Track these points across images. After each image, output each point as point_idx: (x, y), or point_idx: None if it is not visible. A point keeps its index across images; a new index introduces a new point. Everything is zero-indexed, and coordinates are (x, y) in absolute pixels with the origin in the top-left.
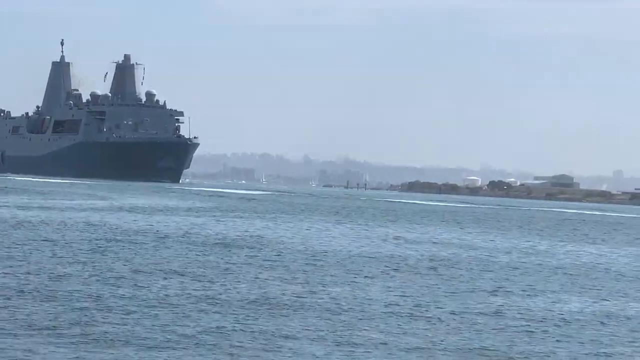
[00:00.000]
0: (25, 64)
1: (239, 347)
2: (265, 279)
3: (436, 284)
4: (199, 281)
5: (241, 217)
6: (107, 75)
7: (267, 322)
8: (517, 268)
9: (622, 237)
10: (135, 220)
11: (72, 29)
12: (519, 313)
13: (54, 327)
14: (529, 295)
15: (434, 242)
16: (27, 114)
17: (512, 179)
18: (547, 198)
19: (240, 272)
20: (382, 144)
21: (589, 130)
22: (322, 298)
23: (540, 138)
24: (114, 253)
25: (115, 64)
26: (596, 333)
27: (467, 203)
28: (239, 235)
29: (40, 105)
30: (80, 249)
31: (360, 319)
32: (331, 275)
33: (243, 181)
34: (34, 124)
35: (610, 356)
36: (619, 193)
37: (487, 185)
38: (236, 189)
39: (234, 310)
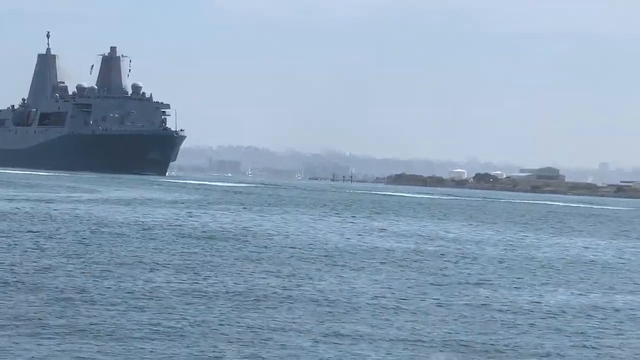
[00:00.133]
0: (11, 57)
1: (225, 340)
2: (252, 272)
3: (422, 277)
4: (185, 274)
5: (227, 209)
6: (93, 68)
7: (254, 315)
8: (502, 261)
9: (607, 230)
10: (120, 213)
11: (58, 22)
12: (505, 305)
13: (39, 319)
14: (515, 287)
15: (419, 235)
16: (12, 106)
17: (498, 172)
18: (533, 191)
19: (226, 265)
20: (369, 137)
21: (574, 123)
22: (309, 290)
23: (526, 131)
24: (99, 245)
25: (101, 56)
26: (582, 325)
27: (452, 195)
28: (224, 228)
29: (26, 97)
30: (65, 241)
31: (347, 311)
32: (317, 269)
33: (229, 174)
34: (20, 116)
35: (597, 348)
36: (604, 185)
37: (473, 178)
38: (222, 182)
39: (219, 303)
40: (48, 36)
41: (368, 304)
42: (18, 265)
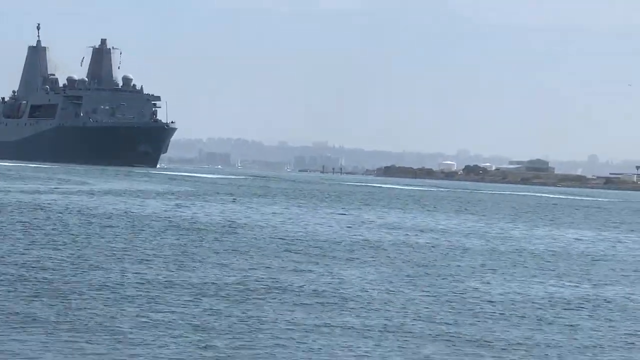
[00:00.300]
0: (1, 49)
1: (215, 331)
2: (240, 264)
3: (412, 268)
4: (174, 265)
5: (217, 201)
6: (84, 60)
7: (243, 306)
8: (492, 252)
9: (596, 221)
10: (109, 205)
11: (48, 14)
12: (494, 297)
13: (27, 312)
14: (505, 279)
15: (408, 227)
16: (3, 98)
17: (488, 164)
18: (523, 182)
19: (215, 256)
20: (358, 130)
21: (564, 115)
22: (298, 282)
23: (516, 123)
24: (88, 237)
25: (91, 48)
26: (572, 317)
27: (436, 187)
28: (214, 220)
29: (16, 90)
30: (55, 233)
31: (336, 303)
32: (306, 261)
33: (219, 166)
34: (10, 108)
35: (586, 340)
36: (593, 178)
37: (463, 170)
38: (213, 174)
39: (209, 295)
40: (38, 28)
41: (357, 295)
42: (6, 256)
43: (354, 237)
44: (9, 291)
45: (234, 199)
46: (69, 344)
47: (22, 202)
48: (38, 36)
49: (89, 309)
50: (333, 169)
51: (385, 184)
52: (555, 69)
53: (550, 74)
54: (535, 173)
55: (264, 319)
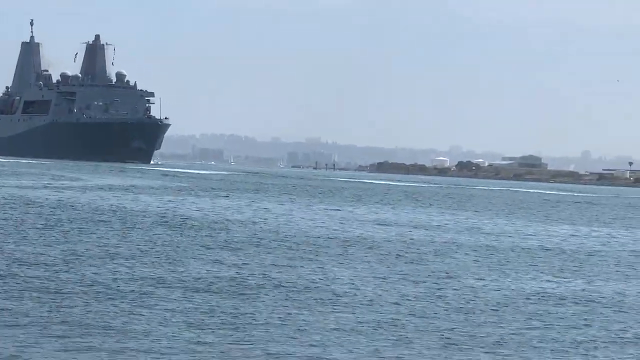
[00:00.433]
0: None
1: (207, 328)
2: (232, 259)
3: (404, 265)
4: (165, 262)
5: (209, 196)
6: (77, 56)
7: (235, 302)
8: (485, 248)
9: (589, 217)
10: (102, 201)
11: (42, 9)
12: (487, 293)
13: (16, 311)
14: (499, 275)
15: (400, 223)
16: None
17: (480, 160)
18: (515, 178)
19: (206, 252)
20: (352, 126)
21: (557, 111)
22: (290, 278)
23: (509, 119)
24: (80, 233)
25: (85, 44)
26: (565, 312)
27: (427, 183)
28: (205, 216)
29: (9, 86)
30: (46, 229)
31: (329, 299)
32: (298, 257)
33: (212, 162)
34: (4, 104)
35: (579, 336)
36: (586, 174)
37: (456, 166)
38: (206, 170)
39: (200, 291)
40: (32, 24)
41: (350, 291)
42: None
43: (346, 233)
44: None
45: (226, 194)
46: (61, 339)
47: (15, 197)
48: (31, 32)
49: (78, 306)
50: (326, 165)
51: (378, 179)
52: (549, 67)
53: (544, 71)
54: (528, 169)
55: (256, 314)
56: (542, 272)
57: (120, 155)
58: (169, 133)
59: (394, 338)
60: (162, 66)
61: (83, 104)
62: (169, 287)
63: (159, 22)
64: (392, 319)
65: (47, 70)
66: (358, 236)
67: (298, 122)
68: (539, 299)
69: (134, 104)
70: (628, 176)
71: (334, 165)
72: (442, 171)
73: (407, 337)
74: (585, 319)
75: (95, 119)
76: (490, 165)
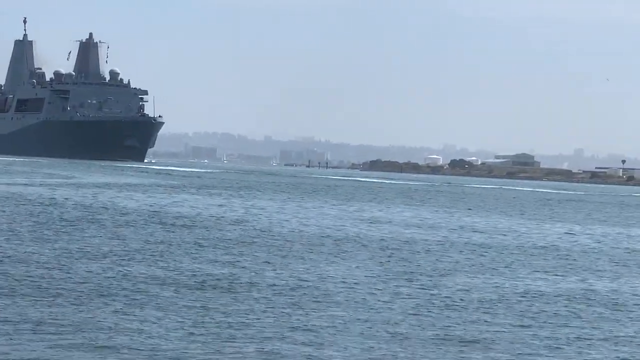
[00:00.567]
0: None
1: (199, 326)
2: (223, 258)
3: (397, 264)
4: (158, 260)
5: (201, 195)
6: (71, 54)
7: (226, 301)
8: (479, 247)
9: (583, 215)
10: (94, 199)
11: (35, 7)
12: (481, 292)
13: (8, 309)
14: (492, 274)
15: (393, 222)
16: None
17: (473, 158)
18: (508, 177)
19: (200, 251)
20: (346, 124)
21: (550, 109)
22: (282, 277)
23: (502, 118)
24: (72, 232)
25: (78, 42)
26: (559, 311)
27: (419, 181)
28: (197, 214)
29: (3, 84)
30: (37, 227)
31: (321, 298)
32: (291, 255)
33: (205, 160)
34: None
35: (573, 334)
36: (579, 172)
37: (449, 164)
38: (200, 168)
39: (192, 288)
40: (25, 22)
41: (342, 291)
42: None
43: (338, 231)
44: None
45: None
46: (51, 337)
47: (7, 195)
48: (25, 30)
49: (69, 305)
50: (319, 163)
51: (370, 177)
52: (542, 66)
53: (537, 70)
54: (521, 167)
55: (249, 313)
56: (535, 270)
57: (113, 154)
58: (161, 131)
59: (388, 336)
60: (155, 64)
61: (76, 102)
62: (161, 285)
63: (152, 20)
64: (386, 317)
65: (40, 69)
66: (350, 234)
67: (291, 121)
68: (532, 296)
69: (128, 102)
70: (621, 174)
71: (326, 163)
72: (435, 169)
73: (400, 335)
74: (579, 317)
75: (89, 117)
76: (483, 163)
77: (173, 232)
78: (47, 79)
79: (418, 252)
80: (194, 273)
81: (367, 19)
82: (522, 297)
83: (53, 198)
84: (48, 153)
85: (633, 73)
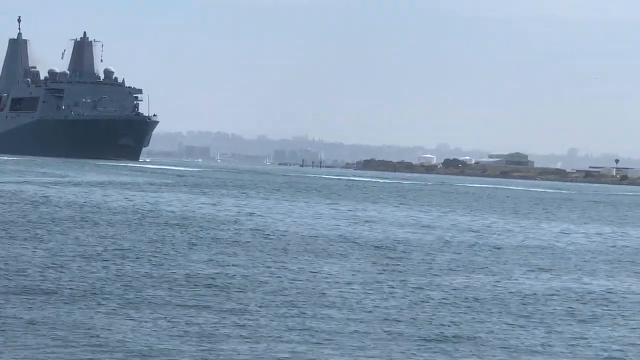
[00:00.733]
0: None
1: (194, 325)
2: (217, 258)
3: (391, 264)
4: (152, 259)
5: (196, 194)
6: (65, 53)
7: (222, 300)
8: (472, 246)
9: (576, 214)
10: (89, 198)
11: (29, 6)
12: (474, 292)
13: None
14: (485, 273)
15: (387, 221)
16: None
17: (467, 157)
18: (502, 176)
19: (195, 250)
20: (340, 123)
21: (544, 109)
22: (276, 277)
23: (496, 117)
24: (65, 231)
25: (73, 41)
26: (553, 310)
27: (412, 180)
28: (193, 214)
29: None
30: (33, 226)
31: (315, 298)
32: (285, 255)
33: (199, 159)
34: None
35: (567, 333)
36: (573, 171)
37: (442, 164)
38: (194, 167)
39: (186, 288)
40: (19, 21)
41: (336, 291)
42: None
43: (333, 230)
44: None
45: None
46: (44, 339)
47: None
48: (19, 29)
49: (61, 306)
50: (313, 162)
51: (364, 177)
52: (536, 65)
53: (531, 69)
54: (515, 166)
55: (242, 312)
56: (529, 269)
57: (108, 153)
58: (155, 130)
59: (382, 335)
60: (149, 63)
61: (71, 101)
62: (154, 284)
63: (146, 19)
64: (380, 315)
65: (34, 67)
66: (345, 233)
67: (285, 120)
68: (525, 295)
69: (122, 101)
70: (614, 174)
71: (320, 162)
72: (429, 169)
73: (394, 334)
74: (573, 315)
75: (84, 116)
76: (476, 162)
77: (165, 231)
78: (42, 77)
79: (412, 251)
80: (187, 272)
81: (361, 19)
82: (516, 296)
83: (45, 196)
84: (42, 152)
85: (628, 73)
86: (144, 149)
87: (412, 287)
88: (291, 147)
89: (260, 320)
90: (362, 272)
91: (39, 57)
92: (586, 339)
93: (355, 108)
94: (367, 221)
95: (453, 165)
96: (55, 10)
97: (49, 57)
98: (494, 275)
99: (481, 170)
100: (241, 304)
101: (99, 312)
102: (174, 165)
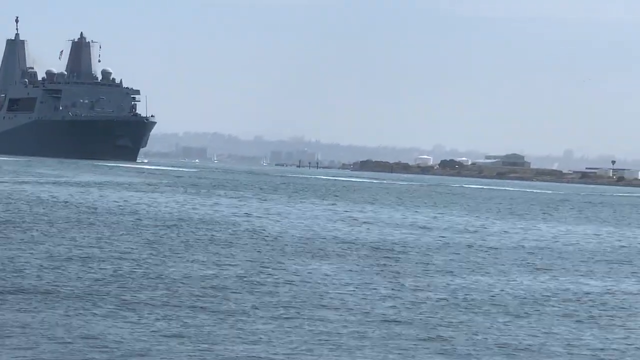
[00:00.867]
0: None
1: (191, 327)
2: (217, 258)
3: (388, 265)
4: (149, 259)
5: (192, 194)
6: (63, 54)
7: (219, 301)
8: (469, 247)
9: (573, 215)
10: (85, 198)
11: (27, 7)
12: (470, 293)
13: None
14: (482, 274)
15: (383, 222)
16: None
17: (464, 158)
18: (498, 177)
19: (192, 251)
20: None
21: (540, 110)
22: (271, 277)
23: (492, 118)
24: (62, 232)
25: (70, 42)
26: (549, 311)
27: (407, 181)
28: (189, 215)
29: None
30: (30, 227)
31: (313, 299)
32: (280, 256)
33: (197, 160)
34: None
35: (563, 333)
36: (569, 172)
37: (439, 165)
38: (192, 168)
39: (184, 291)
40: (17, 21)
41: (333, 292)
42: None
43: (329, 231)
44: None
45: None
46: (39, 340)
47: None
48: (16, 29)
49: (59, 306)
50: (309, 163)
51: (360, 177)
52: (533, 66)
53: (528, 70)
54: (511, 167)
55: (238, 313)
56: (526, 270)
57: (106, 154)
58: (152, 131)
59: (379, 336)
60: (146, 64)
61: (69, 102)
62: (150, 286)
63: (144, 20)
64: (376, 317)
65: (32, 68)
66: (341, 234)
67: (281, 121)
68: (522, 296)
69: (120, 102)
70: (611, 175)
71: (317, 163)
72: (425, 169)
73: (391, 335)
74: (569, 316)
75: (81, 117)
76: (473, 163)
77: (162, 231)
78: (39, 78)
79: (409, 252)
80: (184, 273)
81: (360, 19)
82: (513, 296)
83: (42, 197)
84: (40, 152)
85: (626, 74)
86: (142, 150)
87: (409, 288)
88: (288, 148)
89: (257, 321)
90: (359, 273)
91: (36, 58)
92: (583, 339)
93: (352, 109)
94: (364, 222)
95: (449, 166)
96: (52, 10)
97: (47, 58)
98: (491, 276)
99: (478, 171)
100: (238, 305)
101: (95, 313)
102: (172, 166)
